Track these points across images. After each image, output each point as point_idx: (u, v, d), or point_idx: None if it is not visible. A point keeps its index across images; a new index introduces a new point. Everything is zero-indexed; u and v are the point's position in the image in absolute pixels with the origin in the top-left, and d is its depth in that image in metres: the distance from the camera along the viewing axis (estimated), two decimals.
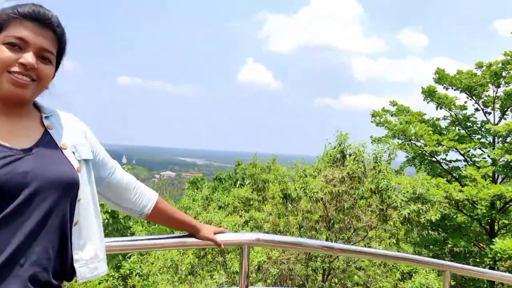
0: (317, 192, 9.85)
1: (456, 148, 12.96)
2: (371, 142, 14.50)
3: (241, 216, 11.05)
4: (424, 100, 14.75)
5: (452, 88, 14.63)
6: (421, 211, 9.82)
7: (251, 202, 11.99)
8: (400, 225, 10.93)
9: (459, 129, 14.65)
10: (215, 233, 1.85)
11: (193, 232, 1.80)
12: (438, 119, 14.74)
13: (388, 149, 11.05)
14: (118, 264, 14.20)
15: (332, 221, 10.53)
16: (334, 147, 11.22)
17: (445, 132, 14.18)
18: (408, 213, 9.66)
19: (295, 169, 11.41)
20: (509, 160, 12.48)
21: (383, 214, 10.48)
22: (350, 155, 10.99)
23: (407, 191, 10.09)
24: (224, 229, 1.98)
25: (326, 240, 10.38)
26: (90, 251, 1.26)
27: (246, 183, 13.78)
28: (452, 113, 14.46)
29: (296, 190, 10.26)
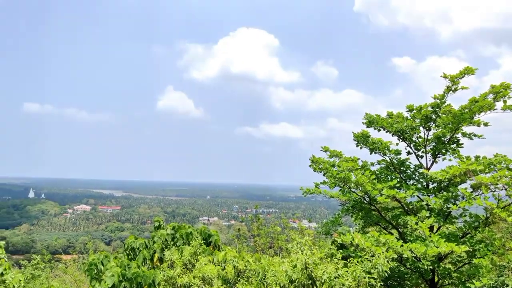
0: None
1: (394, 197, 12.26)
2: (303, 193, 13.25)
3: None
4: (357, 146, 14.03)
5: (384, 130, 14.18)
6: None
7: None
8: None
9: (392, 173, 14.13)
10: None
11: None
12: (373, 164, 14.10)
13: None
14: None
15: None
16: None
17: (380, 177, 13.51)
18: None
19: None
20: (444, 209, 12.05)
21: None
22: None
23: None
24: None
25: None
26: None
27: None
28: (387, 158, 13.90)
29: None
